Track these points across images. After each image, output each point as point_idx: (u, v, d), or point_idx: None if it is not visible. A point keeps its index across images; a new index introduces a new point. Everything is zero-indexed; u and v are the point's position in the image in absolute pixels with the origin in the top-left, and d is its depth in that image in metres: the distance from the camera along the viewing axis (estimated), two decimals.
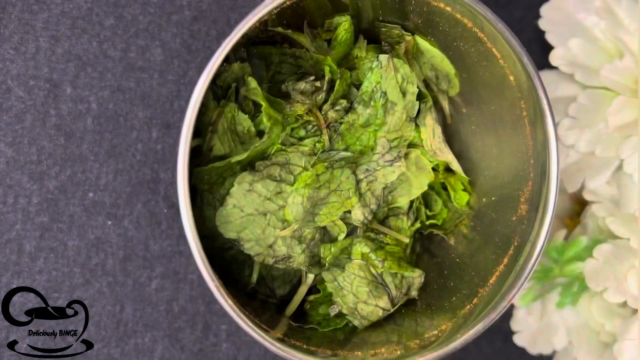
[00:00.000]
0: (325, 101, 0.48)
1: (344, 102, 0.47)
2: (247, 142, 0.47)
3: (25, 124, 0.54)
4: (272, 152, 0.46)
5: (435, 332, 0.46)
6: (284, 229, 0.46)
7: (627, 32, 0.52)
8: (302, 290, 0.50)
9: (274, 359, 0.56)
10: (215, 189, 0.46)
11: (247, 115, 0.47)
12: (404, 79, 0.48)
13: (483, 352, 0.57)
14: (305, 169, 0.46)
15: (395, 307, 0.50)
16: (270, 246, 0.46)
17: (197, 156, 0.47)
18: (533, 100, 0.45)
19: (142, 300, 0.55)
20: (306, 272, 0.49)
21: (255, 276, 0.49)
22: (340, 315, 0.50)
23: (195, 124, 0.42)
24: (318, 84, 0.48)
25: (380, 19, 0.49)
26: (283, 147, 0.47)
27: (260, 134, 0.47)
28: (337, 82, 0.47)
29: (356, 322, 0.49)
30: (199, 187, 0.46)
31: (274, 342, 0.43)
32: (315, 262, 0.48)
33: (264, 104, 0.45)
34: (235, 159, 0.45)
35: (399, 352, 0.46)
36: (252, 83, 0.46)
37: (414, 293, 0.50)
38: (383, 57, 0.47)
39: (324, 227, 0.49)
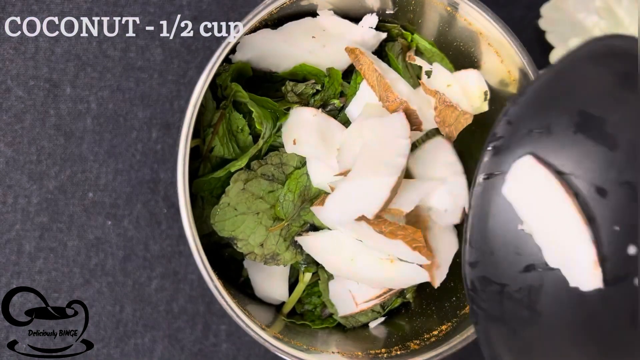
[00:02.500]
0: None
1: (336, 102, 0.47)
2: (242, 141, 0.47)
3: (24, 124, 0.54)
4: (264, 150, 0.47)
5: (435, 332, 0.46)
6: (274, 226, 0.46)
7: (627, 32, 0.52)
8: (299, 288, 0.50)
9: (273, 359, 0.56)
10: (215, 193, 0.47)
11: (241, 115, 0.47)
12: None
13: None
14: (297, 167, 0.46)
15: (386, 311, 0.50)
16: (262, 245, 0.46)
17: (197, 156, 0.47)
18: None
19: (142, 301, 0.55)
20: (303, 271, 0.49)
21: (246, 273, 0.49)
22: (331, 315, 0.50)
23: (195, 124, 0.42)
24: (319, 86, 0.48)
25: (380, 18, 0.49)
26: (277, 145, 0.47)
27: (255, 138, 0.47)
28: (326, 80, 0.47)
29: (346, 323, 0.49)
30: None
31: (273, 342, 0.43)
32: (311, 260, 0.48)
33: (253, 110, 0.45)
34: (234, 167, 0.45)
35: (399, 352, 0.46)
36: (236, 87, 0.46)
37: (408, 296, 0.50)
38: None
39: (313, 223, 0.48)
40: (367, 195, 0.43)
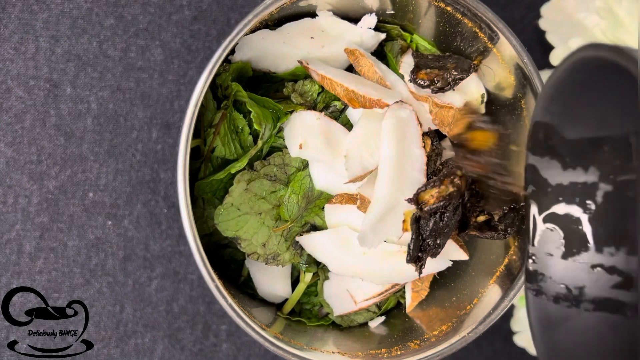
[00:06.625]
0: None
1: (337, 104, 0.47)
2: (243, 140, 0.47)
3: (25, 124, 0.54)
4: (265, 151, 0.47)
5: (435, 332, 0.46)
6: (277, 227, 0.46)
7: (627, 32, 0.52)
8: (300, 288, 0.50)
9: (273, 359, 0.56)
10: (218, 194, 0.47)
11: (241, 115, 0.47)
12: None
13: (483, 352, 0.57)
14: (299, 169, 0.47)
15: (382, 311, 0.50)
16: (264, 245, 0.46)
17: (198, 156, 0.47)
18: (533, 100, 0.44)
19: (142, 301, 0.55)
20: (304, 271, 0.49)
21: (247, 270, 0.49)
22: (327, 314, 0.50)
23: (195, 124, 0.42)
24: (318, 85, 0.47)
25: (380, 18, 0.49)
26: (278, 146, 0.47)
27: (255, 138, 0.47)
28: None
29: (341, 322, 0.49)
30: None
31: (274, 341, 0.43)
32: (312, 260, 0.48)
33: (252, 110, 0.45)
34: (234, 169, 0.45)
35: (399, 352, 0.46)
36: (236, 87, 0.46)
37: (401, 300, 0.51)
38: None
39: (314, 224, 0.49)
40: (396, 218, 0.44)
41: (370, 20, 0.48)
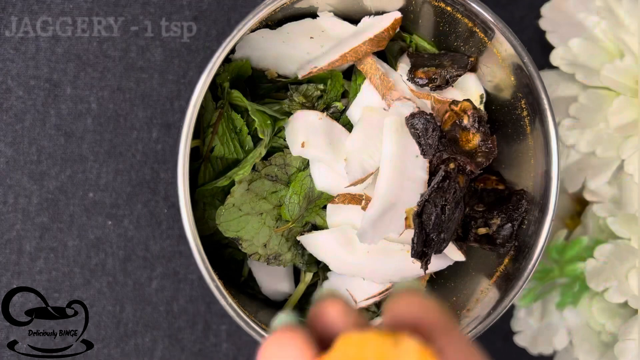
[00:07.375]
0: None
1: (338, 105, 0.47)
2: (242, 140, 0.47)
3: (25, 124, 0.54)
4: (264, 153, 0.47)
5: None
6: (278, 227, 0.46)
7: (627, 32, 0.52)
8: (300, 288, 0.50)
9: None
10: (218, 197, 0.47)
11: (239, 115, 0.47)
12: None
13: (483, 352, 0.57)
14: (299, 169, 0.47)
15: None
16: (265, 245, 0.46)
17: (198, 157, 0.47)
18: (533, 100, 0.44)
19: (142, 301, 0.55)
20: (305, 271, 0.49)
21: (247, 270, 0.50)
22: None
23: (195, 125, 0.42)
24: (322, 87, 0.47)
25: None
26: (280, 146, 0.47)
27: (255, 138, 0.47)
28: (328, 82, 0.47)
29: None
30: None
31: None
32: (312, 260, 0.48)
33: (256, 119, 0.45)
34: (237, 177, 0.45)
35: None
36: (236, 94, 0.46)
37: None
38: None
39: (315, 223, 0.49)
40: (397, 215, 0.44)
41: (370, 21, 0.48)
